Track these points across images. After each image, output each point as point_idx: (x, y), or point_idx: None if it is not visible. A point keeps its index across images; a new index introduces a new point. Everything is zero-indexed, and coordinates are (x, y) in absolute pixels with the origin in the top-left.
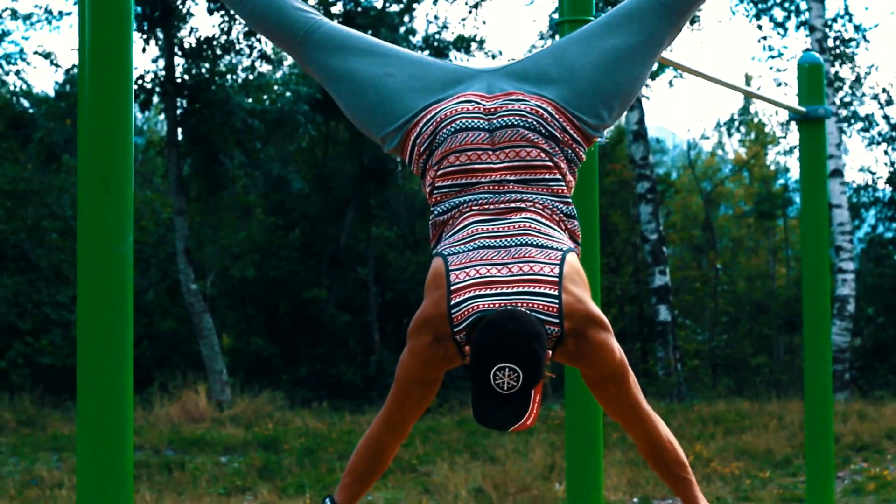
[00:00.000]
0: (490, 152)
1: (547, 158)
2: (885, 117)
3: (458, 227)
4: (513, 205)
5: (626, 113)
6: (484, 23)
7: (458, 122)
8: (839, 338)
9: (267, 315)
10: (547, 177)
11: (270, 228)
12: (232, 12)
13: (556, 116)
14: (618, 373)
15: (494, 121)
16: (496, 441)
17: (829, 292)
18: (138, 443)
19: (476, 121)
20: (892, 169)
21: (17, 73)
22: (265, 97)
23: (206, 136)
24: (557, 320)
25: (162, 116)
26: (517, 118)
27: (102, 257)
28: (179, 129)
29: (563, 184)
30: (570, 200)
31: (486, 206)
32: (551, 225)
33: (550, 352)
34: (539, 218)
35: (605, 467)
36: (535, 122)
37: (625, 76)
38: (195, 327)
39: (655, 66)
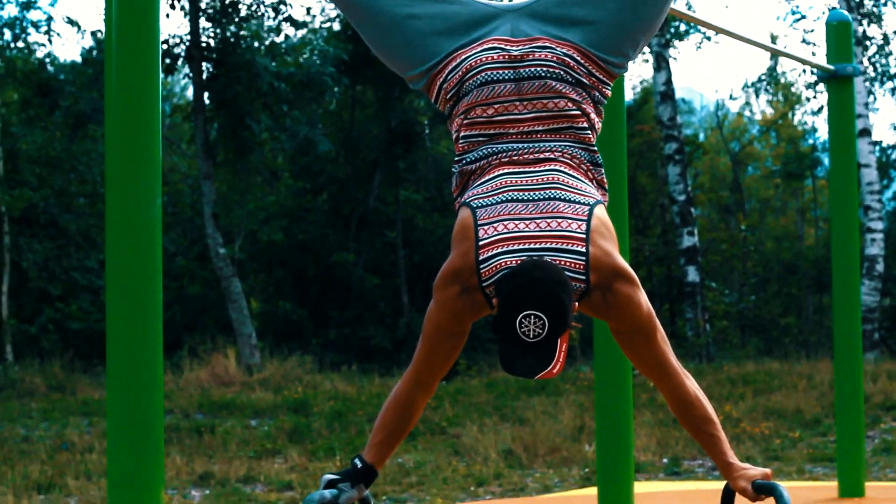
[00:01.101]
0: (517, 103)
1: (574, 107)
2: None
3: (486, 178)
4: (541, 155)
5: (653, 73)
6: None
7: (484, 73)
8: (868, 297)
9: (295, 279)
10: (574, 125)
11: (298, 192)
12: None
13: (582, 62)
14: (645, 326)
15: (521, 70)
16: (525, 403)
17: (858, 252)
18: (168, 407)
19: (502, 71)
20: None
21: (49, 39)
22: (290, 60)
23: (233, 100)
24: (584, 276)
25: (186, 81)
26: (544, 69)
27: (130, 222)
28: (206, 94)
29: (590, 131)
30: (596, 149)
31: (515, 157)
32: (578, 176)
33: (577, 303)
34: (566, 169)
35: (635, 428)
36: (561, 72)
37: (649, 9)
38: (224, 291)
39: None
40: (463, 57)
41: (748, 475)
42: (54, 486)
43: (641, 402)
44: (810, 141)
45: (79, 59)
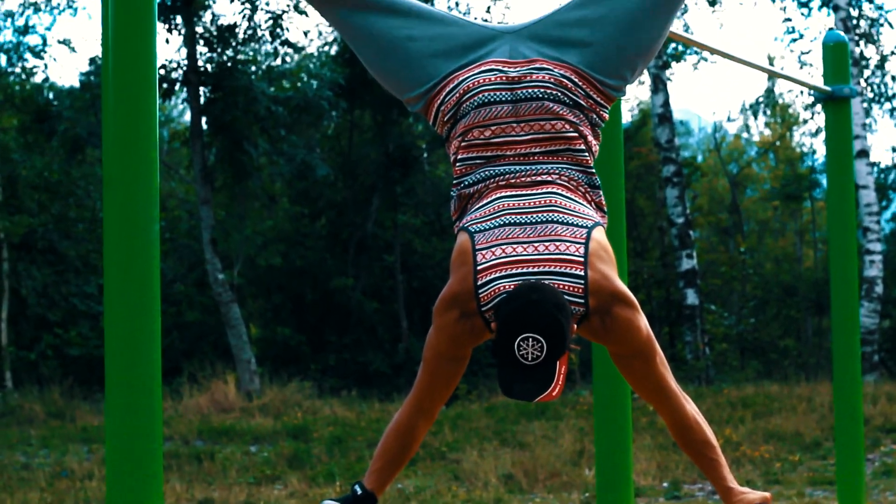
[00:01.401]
0: (514, 125)
1: (572, 129)
2: None
3: (484, 202)
4: (539, 178)
5: (650, 95)
6: None
7: (481, 94)
8: (867, 319)
9: (294, 304)
10: (572, 147)
11: (296, 217)
12: None
13: (580, 84)
14: (644, 350)
15: (518, 91)
16: (525, 427)
17: (857, 274)
18: (168, 433)
19: (500, 93)
20: None
21: (45, 66)
22: (288, 84)
23: (230, 125)
24: (582, 300)
25: (184, 106)
26: (541, 90)
27: (128, 248)
28: (203, 119)
29: (588, 154)
30: (594, 171)
31: (513, 180)
32: (576, 199)
33: (576, 327)
34: (564, 192)
35: (635, 452)
36: (559, 94)
37: (648, 34)
38: (223, 317)
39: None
40: (461, 79)
41: (747, 499)
42: None
43: (641, 426)
44: (808, 162)
45: (77, 84)
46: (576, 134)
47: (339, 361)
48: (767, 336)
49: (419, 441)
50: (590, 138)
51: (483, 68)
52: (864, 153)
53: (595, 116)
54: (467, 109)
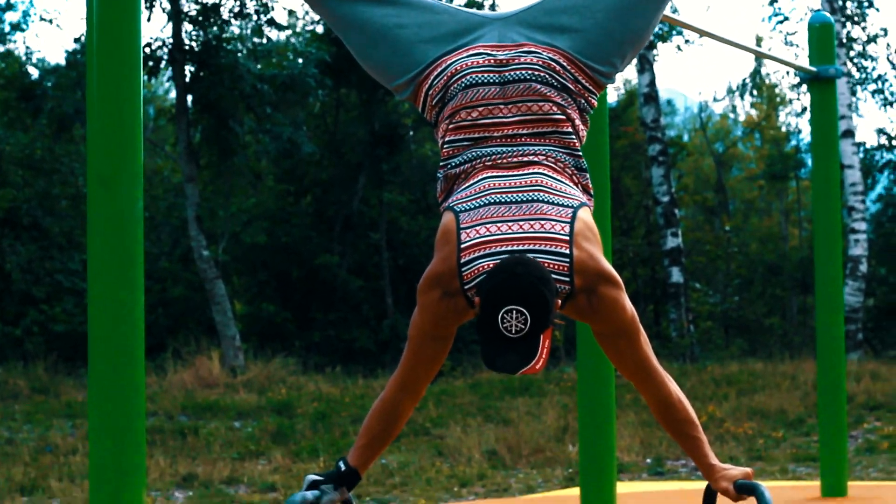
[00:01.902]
0: (502, 106)
1: (559, 111)
2: None
3: (470, 182)
4: (525, 159)
5: (636, 75)
6: None
7: (469, 76)
8: (852, 298)
9: (279, 281)
10: (559, 130)
11: (282, 194)
12: None
13: (568, 68)
14: (628, 329)
15: (506, 73)
16: (509, 404)
17: (842, 253)
18: (152, 409)
19: (487, 75)
20: None
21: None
22: (274, 62)
23: (216, 103)
24: (567, 278)
25: (170, 84)
26: (529, 72)
27: (112, 225)
28: (189, 96)
29: (575, 137)
30: (581, 154)
31: (499, 160)
32: (563, 180)
33: (560, 306)
34: (551, 173)
35: (618, 429)
36: (546, 76)
37: (638, 21)
38: (208, 294)
39: (666, 29)
40: (448, 62)
41: (730, 475)
42: (37, 488)
43: (625, 403)
44: (794, 142)
45: (63, 62)
46: (563, 116)
47: (323, 338)
48: (752, 314)
49: (404, 419)
50: (577, 122)
51: (471, 52)
52: (849, 133)
53: (583, 101)
54: (455, 91)
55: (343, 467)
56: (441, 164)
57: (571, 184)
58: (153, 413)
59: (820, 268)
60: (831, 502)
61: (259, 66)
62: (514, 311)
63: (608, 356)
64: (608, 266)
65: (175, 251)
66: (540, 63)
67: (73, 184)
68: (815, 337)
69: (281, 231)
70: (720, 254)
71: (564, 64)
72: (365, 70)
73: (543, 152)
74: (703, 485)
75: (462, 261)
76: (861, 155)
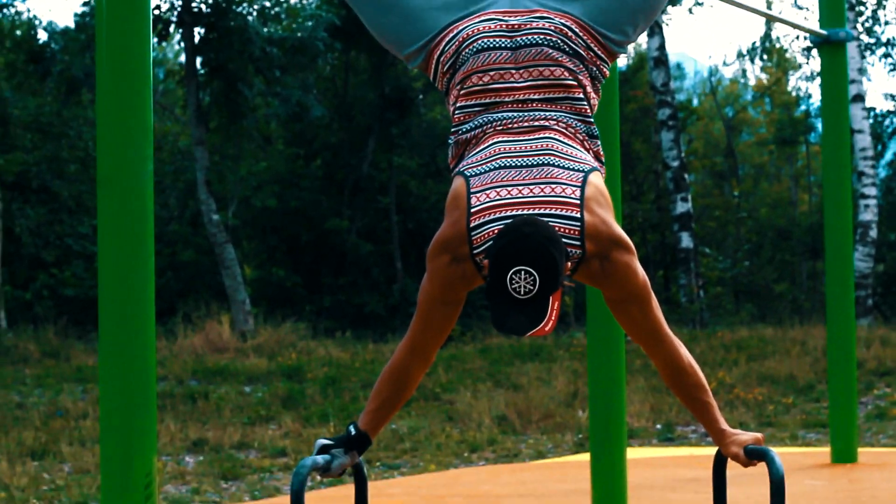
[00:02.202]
0: (513, 71)
1: (571, 77)
2: None
3: (481, 147)
4: (536, 123)
5: (646, 39)
6: None
7: (480, 41)
8: (862, 263)
9: (289, 245)
10: (571, 96)
11: (291, 158)
12: None
13: (580, 34)
14: (641, 294)
15: (518, 38)
16: (519, 369)
17: (851, 218)
18: (162, 373)
19: (499, 39)
20: None
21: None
22: (283, 24)
23: (225, 66)
24: (579, 242)
25: (180, 47)
26: (541, 36)
27: (122, 188)
28: (198, 59)
29: (587, 103)
30: (592, 120)
31: (510, 125)
32: (574, 145)
33: (572, 271)
34: (562, 138)
35: (628, 394)
36: (558, 41)
37: None
38: (217, 258)
39: None
40: (460, 28)
41: (740, 440)
42: (48, 452)
43: (635, 368)
44: (804, 107)
45: (72, 25)
46: (574, 82)
47: (333, 303)
48: (762, 280)
49: (414, 384)
50: (589, 89)
51: (483, 17)
52: (859, 98)
53: (595, 69)
54: (466, 56)
55: (353, 431)
56: (452, 129)
57: (582, 149)
58: (163, 378)
59: (830, 234)
60: (841, 468)
61: (268, 30)
62: (523, 272)
63: (620, 322)
64: (621, 231)
65: (184, 215)
66: (552, 28)
67: (83, 147)
68: (824, 302)
69: (290, 195)
70: (730, 219)
71: (577, 30)
72: (377, 40)
73: (554, 117)
74: (713, 451)
75: (471, 225)
76: (871, 120)
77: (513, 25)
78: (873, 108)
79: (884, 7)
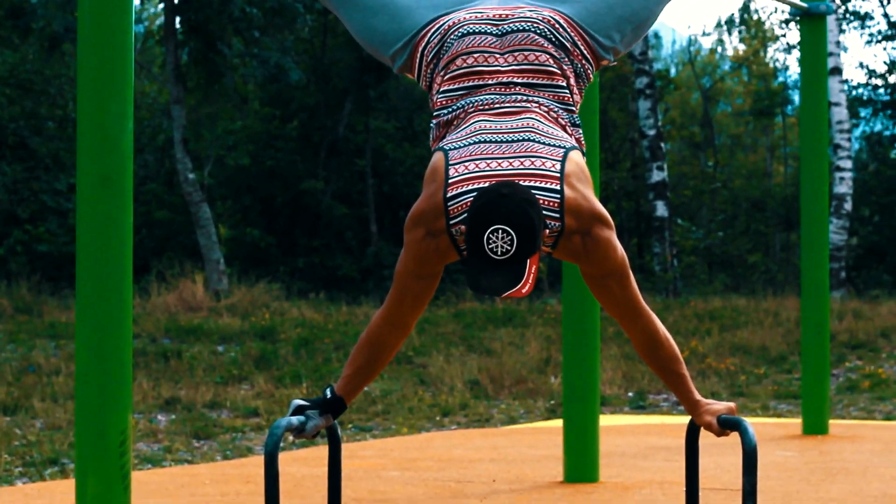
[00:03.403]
0: (498, 55)
1: (555, 65)
2: (885, 15)
3: (462, 126)
4: (518, 105)
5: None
6: None
7: (466, 27)
8: (836, 236)
9: (264, 205)
10: (554, 83)
11: (267, 118)
12: None
13: (568, 29)
14: (620, 270)
15: (504, 26)
16: (492, 334)
17: (827, 190)
18: (136, 331)
19: (485, 26)
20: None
21: None
22: None
23: (204, 25)
24: (558, 215)
25: (160, 6)
26: (528, 24)
27: (102, 146)
28: (177, 18)
29: (570, 92)
30: (574, 110)
31: (492, 106)
32: (555, 126)
33: (552, 247)
34: (544, 120)
35: (601, 362)
36: (545, 29)
37: (638, 4)
38: (192, 217)
39: None
40: (446, 19)
41: (713, 410)
42: (20, 407)
43: (608, 336)
44: (781, 79)
45: None
46: (558, 71)
47: (307, 264)
48: (735, 250)
49: (390, 353)
50: (572, 82)
51: (470, 10)
52: (836, 70)
53: (580, 66)
54: (451, 41)
55: (329, 395)
56: (434, 113)
57: (564, 132)
58: (137, 336)
59: (806, 206)
60: (812, 440)
61: None
62: (500, 231)
63: (597, 298)
64: (601, 207)
65: (160, 173)
66: (540, 18)
67: (62, 105)
68: (798, 274)
69: (266, 155)
70: (705, 189)
71: (564, 25)
72: (364, 48)
73: (537, 101)
74: (685, 419)
75: (448, 195)
76: (847, 92)
77: (500, 15)
78: (848, 81)
79: None
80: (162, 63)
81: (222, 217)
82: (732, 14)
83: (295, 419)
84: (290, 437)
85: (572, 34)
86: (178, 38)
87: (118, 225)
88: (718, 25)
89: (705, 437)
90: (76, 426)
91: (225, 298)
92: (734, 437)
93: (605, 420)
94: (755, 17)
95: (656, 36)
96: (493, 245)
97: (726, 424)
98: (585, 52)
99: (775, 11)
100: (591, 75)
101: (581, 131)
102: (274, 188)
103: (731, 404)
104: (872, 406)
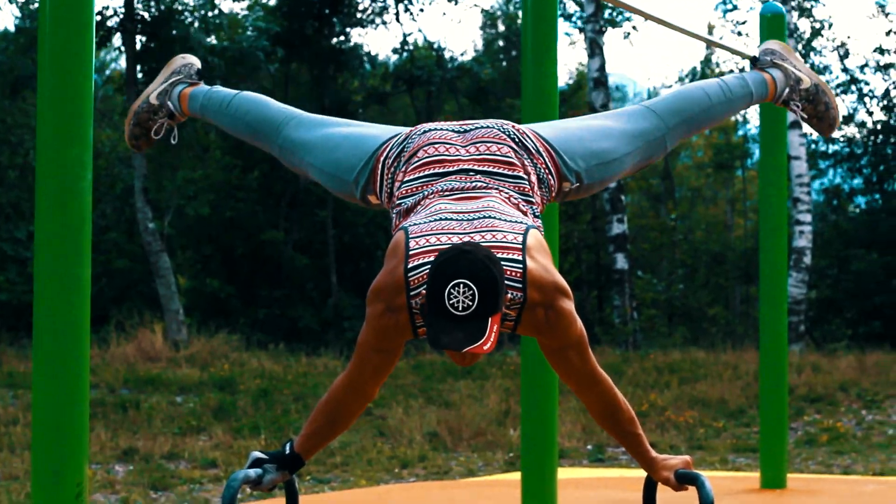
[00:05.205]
0: (459, 146)
1: (516, 158)
2: (844, 69)
3: (422, 210)
4: (478, 191)
5: (586, 59)
6: None
7: (429, 127)
8: (795, 289)
9: (224, 256)
10: (514, 173)
11: (228, 168)
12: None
13: (533, 139)
14: (580, 341)
15: (467, 128)
16: (451, 386)
17: (786, 244)
18: (94, 381)
19: (448, 129)
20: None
21: None
22: (224, 34)
23: None
24: (520, 285)
25: (117, 53)
26: (492, 123)
27: (61, 194)
28: (139, 67)
29: (530, 186)
30: (535, 202)
31: (453, 191)
32: (515, 210)
33: (516, 321)
34: (503, 203)
35: (560, 414)
36: (510, 130)
37: (607, 145)
38: (152, 266)
39: (617, 13)
40: (409, 130)
41: (670, 465)
42: None
43: (566, 389)
44: (742, 132)
45: (12, 29)
46: (519, 164)
47: (268, 315)
48: (695, 303)
49: (351, 418)
50: (533, 179)
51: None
52: (797, 124)
53: (542, 172)
54: (413, 138)
55: (288, 451)
56: (396, 203)
57: (524, 215)
58: (95, 385)
59: (765, 258)
60: (770, 494)
61: (210, 40)
62: (462, 286)
63: (556, 368)
64: (562, 279)
65: (120, 221)
66: (505, 124)
67: (22, 154)
68: (757, 327)
69: (226, 205)
70: (665, 241)
71: (530, 135)
72: (328, 186)
73: (496, 188)
74: (643, 473)
75: (409, 266)
76: (807, 145)
77: (464, 125)
78: (808, 134)
79: (821, 36)
80: (122, 111)
81: (182, 267)
82: (694, 67)
83: (252, 472)
84: (248, 489)
85: (537, 143)
86: (139, 86)
87: (76, 274)
88: (680, 79)
89: (663, 491)
90: (32, 477)
91: (184, 349)
92: (692, 491)
93: (564, 473)
94: (716, 69)
95: (618, 88)
96: (455, 300)
97: (684, 479)
98: (549, 163)
99: (736, 65)
100: (553, 187)
101: (541, 223)
102: (235, 238)
103: (687, 458)
104: (830, 460)
